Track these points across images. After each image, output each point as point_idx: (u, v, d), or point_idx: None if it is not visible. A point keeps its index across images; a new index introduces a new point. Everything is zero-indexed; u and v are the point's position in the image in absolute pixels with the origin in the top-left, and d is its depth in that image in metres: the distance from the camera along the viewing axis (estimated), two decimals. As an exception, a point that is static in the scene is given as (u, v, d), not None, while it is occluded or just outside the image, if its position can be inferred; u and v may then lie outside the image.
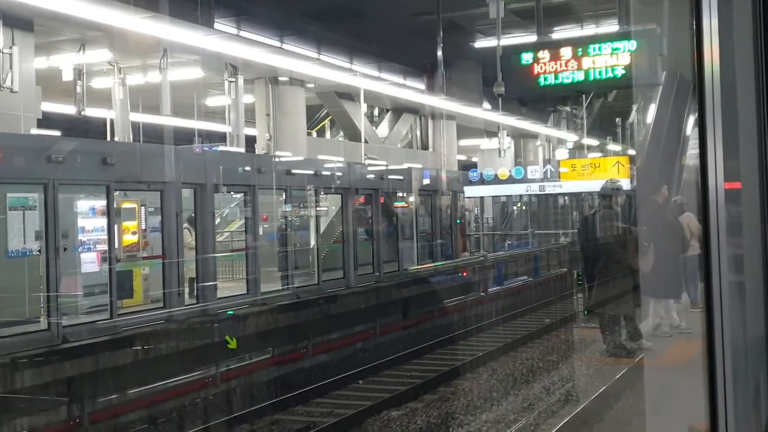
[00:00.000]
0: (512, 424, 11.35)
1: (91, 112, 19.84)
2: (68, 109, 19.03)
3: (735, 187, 2.70)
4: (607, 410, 11.20)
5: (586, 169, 25.55)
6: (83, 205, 13.68)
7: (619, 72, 8.94)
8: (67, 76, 18.16)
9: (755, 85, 3.28)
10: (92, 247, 13.52)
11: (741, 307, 2.75)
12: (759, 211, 3.31)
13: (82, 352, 11.83)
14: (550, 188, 28.35)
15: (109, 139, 19.58)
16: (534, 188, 28.72)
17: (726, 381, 1.84)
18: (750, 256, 3.09)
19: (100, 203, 13.45)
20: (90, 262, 13.44)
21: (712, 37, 1.89)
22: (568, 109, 35.18)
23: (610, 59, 9.00)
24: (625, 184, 23.51)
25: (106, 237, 13.27)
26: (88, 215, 13.68)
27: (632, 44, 8.93)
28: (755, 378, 3.02)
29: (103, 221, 13.37)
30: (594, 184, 24.90)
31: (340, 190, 19.53)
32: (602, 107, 34.85)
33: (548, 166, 29.59)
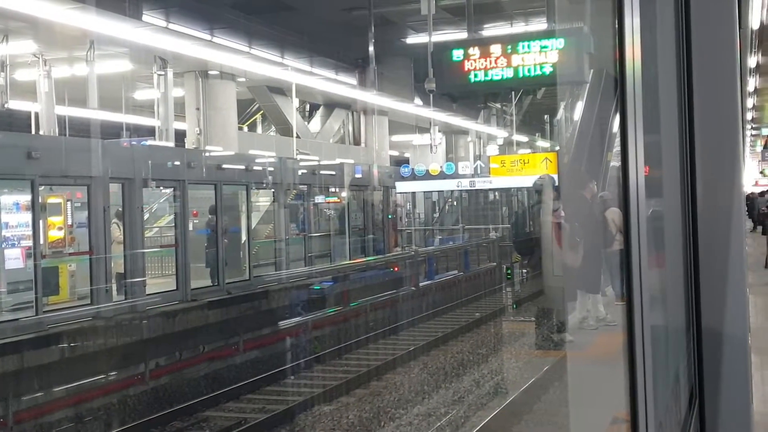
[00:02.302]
0: (443, 417, 11.46)
1: (15, 105, 19.37)
2: (-9, 102, 18.51)
3: (656, 181, 2.77)
4: (535, 402, 11.38)
5: (515, 165, 25.85)
6: (7, 200, 13.37)
7: (548, 69, 9.08)
8: (-11, 67, 17.67)
9: (677, 81, 3.37)
10: (16, 243, 13.21)
11: (662, 298, 2.83)
12: (680, 205, 3.40)
13: (6, 350, 11.55)
14: (480, 184, 28.62)
15: (34, 132, 19.14)
16: (464, 184, 28.95)
17: (646, 371, 1.89)
18: (671, 249, 3.18)
19: (25, 198, 13.15)
20: (14, 258, 13.14)
21: (634, 35, 1.94)
22: (498, 105, 35.56)
23: (539, 57, 9.14)
24: (557, 180, 23.89)
25: (30, 233, 12.99)
26: (12, 210, 13.37)
27: (560, 42, 9.08)
28: (675, 368, 3.11)
29: (27, 216, 13.08)
30: (523, 180, 25.24)
31: (271, 186, 19.43)
32: (531, 104, 35.31)
33: (478, 162, 29.86)
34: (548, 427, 10.39)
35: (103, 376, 12.89)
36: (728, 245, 3.49)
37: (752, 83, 23.18)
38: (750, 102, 27.49)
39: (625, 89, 1.87)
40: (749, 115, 32.01)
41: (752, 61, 19.08)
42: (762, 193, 36.08)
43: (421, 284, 22.26)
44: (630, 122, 1.89)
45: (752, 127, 38.87)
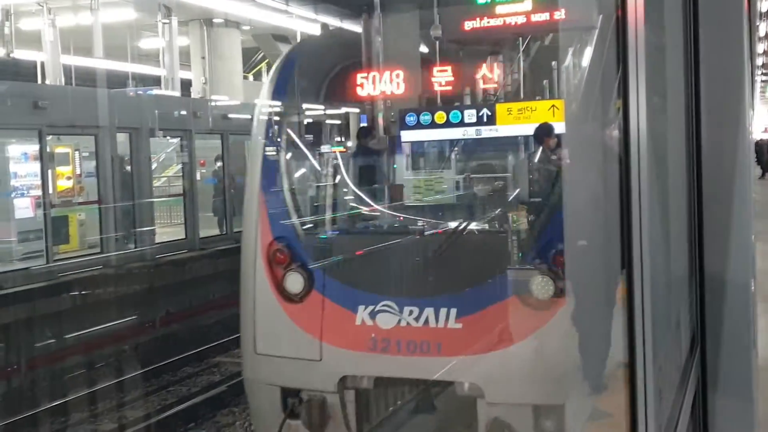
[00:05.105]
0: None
1: (21, 54, 19.28)
2: (-4, 51, 18.45)
3: (660, 126, 2.77)
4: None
5: (522, 112, 25.63)
6: (15, 149, 13.38)
7: (556, 14, 9.00)
8: (-6, 17, 17.58)
9: (683, 25, 3.35)
10: (26, 192, 13.26)
11: (665, 243, 2.83)
12: (684, 150, 3.40)
13: (18, 298, 11.66)
14: (486, 132, 28.38)
15: (40, 82, 19.07)
16: (470, 132, 28.72)
17: (645, 316, 1.90)
18: (675, 195, 3.18)
19: (33, 148, 13.15)
20: (24, 207, 13.20)
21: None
22: (505, 51, 35.14)
23: (547, 1, 9.05)
24: (561, 128, 23.70)
25: (39, 182, 13.02)
26: (20, 160, 13.40)
27: (568, -13, 8.96)
28: (676, 313, 3.13)
29: (36, 166, 13.09)
30: (530, 128, 25.01)
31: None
32: (539, 50, 34.92)
33: (485, 110, 29.59)
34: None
35: (114, 324, 13.00)
36: (732, 191, 3.49)
37: (763, 28, 22.89)
38: (761, 47, 27.15)
39: (626, 35, 1.87)
40: (760, 61, 31.64)
41: (764, 6, 18.82)
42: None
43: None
44: (632, 68, 1.88)
45: (763, 73, 38.45)
